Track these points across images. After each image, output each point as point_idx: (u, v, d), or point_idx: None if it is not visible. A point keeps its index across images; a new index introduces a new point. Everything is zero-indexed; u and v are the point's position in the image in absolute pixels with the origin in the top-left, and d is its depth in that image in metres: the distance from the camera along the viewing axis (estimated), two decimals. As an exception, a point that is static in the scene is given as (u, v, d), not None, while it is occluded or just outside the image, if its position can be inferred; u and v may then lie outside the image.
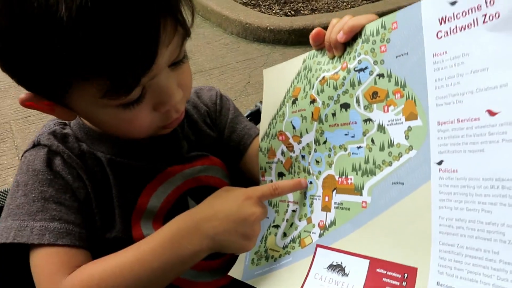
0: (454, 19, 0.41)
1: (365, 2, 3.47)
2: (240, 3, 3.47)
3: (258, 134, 0.69)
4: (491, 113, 0.37)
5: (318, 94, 0.56)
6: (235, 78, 2.63)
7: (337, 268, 0.49)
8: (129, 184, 0.59)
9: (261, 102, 0.88)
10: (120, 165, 0.59)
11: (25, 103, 0.51)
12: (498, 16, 0.38)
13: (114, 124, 0.52)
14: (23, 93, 0.50)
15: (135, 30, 0.42)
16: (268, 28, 3.06)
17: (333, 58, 0.55)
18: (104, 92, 0.45)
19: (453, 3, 0.41)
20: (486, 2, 0.38)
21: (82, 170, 0.57)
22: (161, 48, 0.45)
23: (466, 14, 0.40)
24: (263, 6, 3.42)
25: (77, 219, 0.55)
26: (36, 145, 0.58)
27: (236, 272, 0.62)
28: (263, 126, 0.66)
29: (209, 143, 0.68)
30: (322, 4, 3.44)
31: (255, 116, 0.82)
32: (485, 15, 0.38)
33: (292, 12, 3.32)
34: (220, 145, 0.70)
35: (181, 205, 0.63)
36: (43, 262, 0.53)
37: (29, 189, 0.55)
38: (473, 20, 0.39)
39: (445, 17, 0.42)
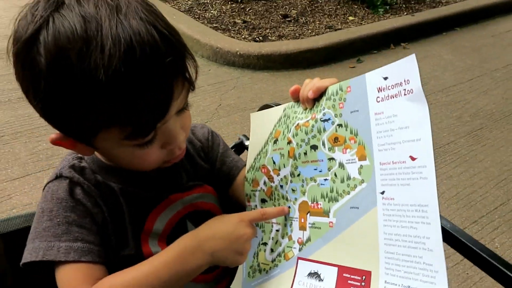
0: (386, 89, 0.58)
1: (328, 30, 3.69)
2: (210, 27, 3.61)
3: (244, 166, 0.82)
4: (412, 159, 0.54)
5: (293, 136, 0.70)
6: (206, 101, 2.75)
7: (315, 275, 0.63)
8: (138, 209, 0.70)
9: (244, 135, 1.02)
10: (130, 194, 0.70)
11: (55, 142, 0.62)
12: (412, 92, 0.54)
13: (129, 160, 0.64)
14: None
15: (154, 89, 0.55)
16: (238, 52, 3.21)
17: (305, 109, 0.70)
18: (126, 135, 0.57)
19: (385, 78, 0.58)
20: (404, 80, 0.55)
21: (99, 198, 0.68)
22: (172, 102, 0.58)
23: (393, 87, 0.57)
24: (233, 31, 3.58)
25: (96, 239, 0.65)
26: (58, 177, 0.68)
27: (236, 285, 0.75)
28: (249, 160, 0.79)
29: (203, 174, 0.80)
30: (289, 31, 3.64)
31: (239, 147, 0.95)
32: (405, 89, 0.55)
33: (261, 38, 3.49)
34: (212, 175, 0.82)
35: (181, 227, 0.74)
36: (69, 277, 0.63)
37: (54, 215, 0.65)
38: (398, 92, 0.56)
39: (381, 87, 0.58)
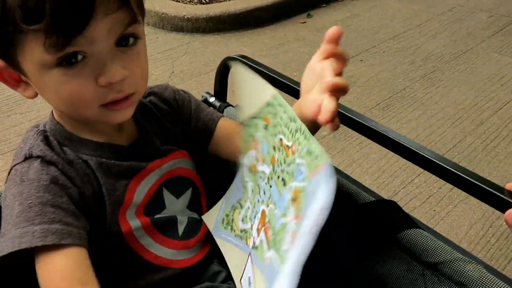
0: None
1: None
2: (153, -7, 3.44)
3: (221, 117, 0.77)
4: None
5: (277, 149, 0.59)
6: (158, 70, 2.65)
7: (249, 280, 0.60)
8: (115, 182, 0.65)
9: (207, 93, 0.97)
10: (106, 166, 0.64)
11: None
12: None
13: (58, 91, 0.56)
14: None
15: None
16: (185, 17, 3.09)
17: (293, 119, 0.56)
18: (42, 44, 0.51)
19: None
20: None
21: (76, 176, 0.61)
22: (98, 13, 0.51)
23: None
24: (177, -5, 3.43)
25: (75, 220, 0.58)
26: (28, 157, 0.61)
27: (208, 220, 0.71)
28: (242, 114, 0.68)
29: (175, 138, 0.75)
30: (235, -10, 3.53)
31: (204, 105, 0.90)
32: None
33: (207, 0, 3.36)
34: (186, 137, 0.77)
35: (158, 196, 0.70)
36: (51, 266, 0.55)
37: (25, 197, 0.57)
38: None
39: None
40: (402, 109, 2.31)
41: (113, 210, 0.64)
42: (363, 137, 0.74)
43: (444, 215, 1.71)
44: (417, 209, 1.74)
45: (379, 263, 0.70)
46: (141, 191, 0.67)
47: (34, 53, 0.53)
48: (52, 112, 0.67)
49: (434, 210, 1.73)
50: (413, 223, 0.67)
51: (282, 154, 0.58)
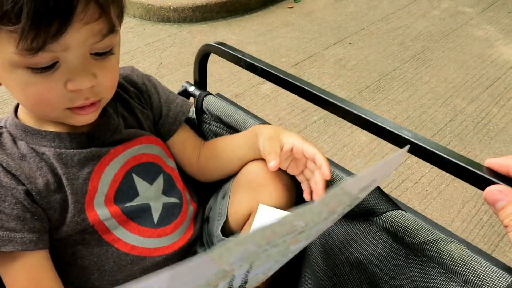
0: None
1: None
2: (138, -16, 3.39)
3: (189, 108, 0.77)
4: None
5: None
6: (146, 62, 2.62)
7: None
8: (77, 171, 0.64)
9: (187, 82, 0.95)
10: (66, 156, 0.63)
11: None
12: None
13: (24, 90, 0.55)
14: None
15: None
16: (171, 7, 3.05)
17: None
18: (15, 46, 0.49)
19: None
20: None
21: (23, 175, 0.60)
22: (76, 21, 0.50)
23: None
24: (162, -15, 3.38)
25: (18, 225, 0.58)
26: None
27: None
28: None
29: (143, 120, 0.74)
30: (221, -23, 3.48)
31: (184, 95, 0.89)
32: None
33: (193, -11, 3.32)
34: (154, 123, 0.76)
35: (128, 183, 0.68)
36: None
37: None
38: None
39: None
40: (392, 91, 2.30)
41: (77, 199, 0.63)
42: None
43: (437, 195, 1.71)
44: (409, 190, 1.73)
45: (361, 247, 0.69)
46: (106, 178, 0.66)
47: (4, 51, 0.51)
48: (16, 105, 0.66)
49: (427, 191, 1.73)
50: (394, 204, 0.67)
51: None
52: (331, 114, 0.71)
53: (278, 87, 0.75)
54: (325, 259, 0.74)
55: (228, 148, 0.77)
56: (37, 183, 0.61)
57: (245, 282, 0.47)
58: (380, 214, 0.67)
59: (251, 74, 0.78)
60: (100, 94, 0.60)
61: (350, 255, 0.71)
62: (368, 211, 0.67)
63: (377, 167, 0.47)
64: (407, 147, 0.51)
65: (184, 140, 0.79)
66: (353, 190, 0.48)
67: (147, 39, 2.88)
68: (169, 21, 3.10)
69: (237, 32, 2.90)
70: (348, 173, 0.70)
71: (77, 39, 0.52)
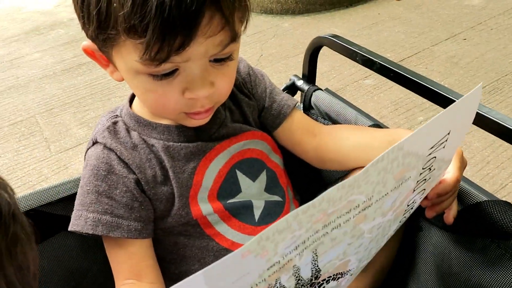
0: None
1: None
2: (243, -25, 3.44)
3: (295, 105, 0.74)
4: None
5: None
6: (247, 53, 2.65)
7: None
8: (183, 165, 0.64)
9: (295, 75, 0.92)
10: (174, 149, 0.64)
11: (85, 48, 0.58)
12: None
13: (144, 94, 0.58)
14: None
15: (180, 6, 0.47)
16: (275, -1, 3.05)
17: None
18: (139, 56, 0.51)
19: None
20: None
21: (134, 165, 0.63)
22: (199, 36, 0.50)
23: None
24: (267, -24, 3.39)
25: (126, 212, 0.61)
26: (94, 142, 0.65)
27: None
28: None
29: (248, 113, 0.73)
30: (326, -32, 3.40)
31: (291, 88, 0.86)
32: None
33: (297, -20, 3.28)
34: (259, 114, 0.75)
35: (231, 179, 0.68)
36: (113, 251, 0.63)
37: (85, 182, 0.62)
38: None
39: None
40: (511, 93, 2.07)
41: (182, 193, 0.64)
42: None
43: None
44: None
45: (484, 273, 0.61)
46: (210, 173, 0.66)
47: (128, 58, 0.53)
48: (131, 95, 0.69)
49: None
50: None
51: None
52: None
53: (381, 83, 0.69)
54: (438, 279, 0.67)
55: (359, 148, 0.70)
56: (146, 173, 0.63)
57: (318, 271, 0.44)
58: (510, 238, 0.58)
59: (353, 69, 0.73)
60: (215, 100, 0.61)
61: (469, 279, 0.63)
62: (497, 231, 0.59)
63: (443, 115, 0.40)
64: (480, 84, 0.43)
65: (293, 129, 0.76)
66: (419, 149, 0.41)
67: (249, 30, 2.85)
68: (272, 13, 3.10)
69: (340, 25, 2.82)
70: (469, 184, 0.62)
71: (199, 51, 0.52)
